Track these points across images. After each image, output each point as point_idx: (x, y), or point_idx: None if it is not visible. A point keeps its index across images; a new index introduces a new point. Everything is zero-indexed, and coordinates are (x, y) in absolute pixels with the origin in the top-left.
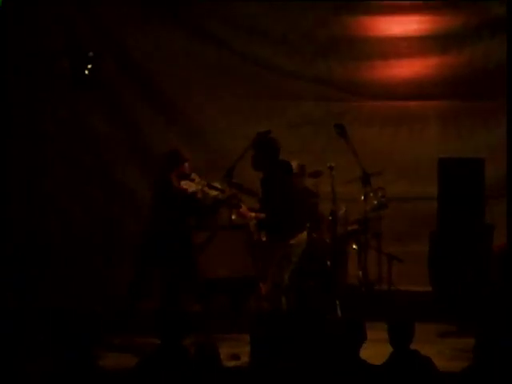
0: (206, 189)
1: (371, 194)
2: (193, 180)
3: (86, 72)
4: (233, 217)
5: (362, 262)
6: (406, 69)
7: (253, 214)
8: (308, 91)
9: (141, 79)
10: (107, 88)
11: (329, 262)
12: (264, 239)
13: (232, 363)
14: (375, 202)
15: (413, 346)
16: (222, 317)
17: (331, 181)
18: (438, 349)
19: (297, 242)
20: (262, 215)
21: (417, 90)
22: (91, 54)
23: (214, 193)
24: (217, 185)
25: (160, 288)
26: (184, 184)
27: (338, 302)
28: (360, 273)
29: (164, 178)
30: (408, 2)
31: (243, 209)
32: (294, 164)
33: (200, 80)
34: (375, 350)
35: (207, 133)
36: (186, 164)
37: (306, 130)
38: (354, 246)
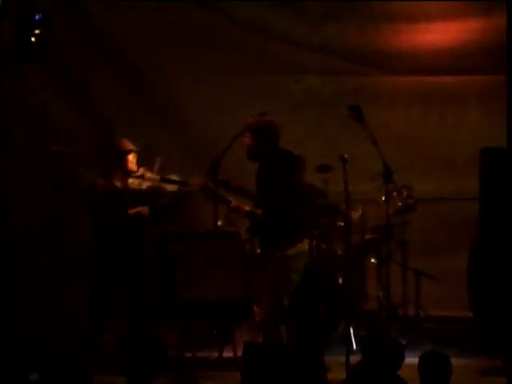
0: (160, 184)
1: (395, 194)
2: (142, 177)
3: (33, 39)
4: (219, 223)
5: (382, 280)
6: (439, 35)
7: (247, 208)
8: (314, 63)
9: (104, 49)
10: (60, 60)
11: (340, 280)
12: (259, 251)
13: None
14: (400, 204)
15: None
16: (206, 349)
17: (344, 177)
18: None
19: (296, 254)
20: (259, 211)
21: (452, 61)
22: (39, 16)
23: (171, 187)
24: (174, 177)
25: (121, 315)
26: (131, 183)
27: (352, 332)
28: (380, 294)
29: (104, 179)
30: None
31: (234, 203)
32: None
33: (177, 50)
34: None
35: (188, 117)
36: (131, 157)
37: (312, 112)
38: (373, 260)
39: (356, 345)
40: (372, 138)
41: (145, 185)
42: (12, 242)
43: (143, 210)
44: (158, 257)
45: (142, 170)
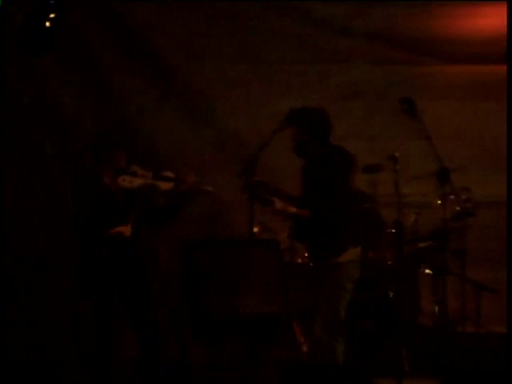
0: (154, 182)
1: (452, 197)
2: (134, 173)
3: (47, 24)
4: (255, 229)
5: (438, 294)
6: (501, 19)
7: (294, 209)
8: (359, 50)
9: (125, 37)
10: (77, 47)
11: (391, 294)
12: (300, 260)
13: None
14: (457, 208)
15: None
16: (238, 369)
17: (394, 178)
18: None
19: (351, 261)
20: (307, 212)
21: None
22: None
23: (166, 185)
24: (169, 174)
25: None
26: (122, 181)
27: (404, 352)
28: (436, 308)
29: (92, 177)
30: None
31: (279, 204)
32: None
33: (205, 37)
34: None
35: (218, 110)
36: (121, 152)
37: (357, 105)
38: (428, 271)
39: (409, 366)
40: (425, 134)
41: (136, 183)
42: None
43: (124, 229)
44: (184, 267)
45: (134, 167)
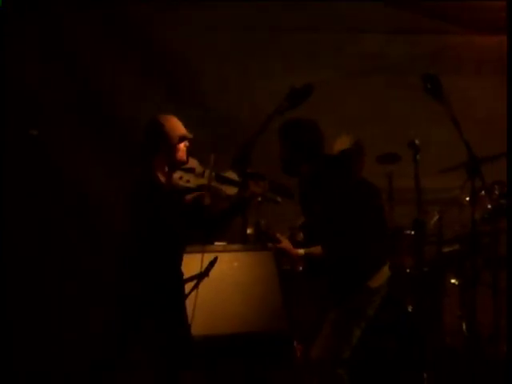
0: (214, 184)
1: (483, 193)
2: (192, 170)
3: None
4: (248, 231)
5: (466, 307)
6: None
7: (301, 252)
8: (377, 18)
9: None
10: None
11: (410, 308)
12: (301, 268)
13: None
14: (489, 206)
15: None
16: None
17: (415, 170)
18: None
19: (377, 286)
20: (317, 250)
21: None
22: None
23: (228, 190)
24: (233, 176)
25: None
26: (178, 178)
27: (425, 377)
28: (464, 324)
29: (142, 172)
30: None
31: (284, 243)
32: (347, 140)
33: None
34: None
35: (206, 86)
36: (183, 144)
37: (374, 83)
38: (454, 280)
39: None
40: (453, 118)
41: (195, 182)
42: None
43: (204, 193)
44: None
45: (194, 163)
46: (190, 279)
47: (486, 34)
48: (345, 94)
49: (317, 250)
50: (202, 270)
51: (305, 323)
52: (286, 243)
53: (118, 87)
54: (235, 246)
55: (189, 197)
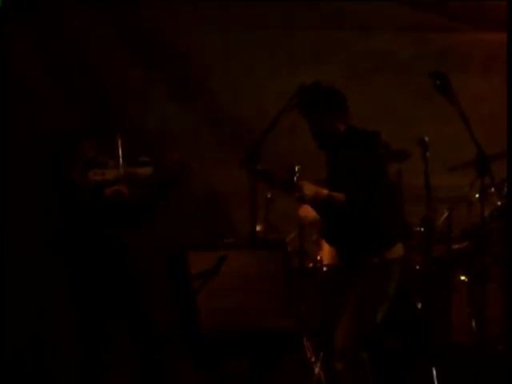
0: (131, 170)
1: (492, 190)
2: (104, 164)
3: None
4: (258, 227)
5: (475, 304)
6: None
7: (325, 192)
8: (384, 15)
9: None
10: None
11: (419, 305)
12: (311, 265)
13: None
14: (499, 204)
15: None
16: None
17: (424, 167)
18: None
19: (395, 259)
20: (341, 196)
21: None
22: None
23: (145, 171)
24: (145, 158)
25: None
26: (94, 175)
27: (435, 373)
28: (473, 323)
29: (61, 179)
30: None
31: (306, 185)
32: None
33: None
34: None
35: (213, 85)
36: (87, 143)
37: (381, 80)
38: (463, 278)
39: None
40: (462, 115)
41: (111, 174)
42: None
43: (122, 188)
44: (176, 274)
45: (102, 158)
46: (200, 276)
47: (494, 32)
48: (353, 92)
49: (340, 195)
50: (212, 267)
51: (312, 320)
52: (307, 185)
53: (123, 87)
54: (244, 243)
55: (108, 191)
